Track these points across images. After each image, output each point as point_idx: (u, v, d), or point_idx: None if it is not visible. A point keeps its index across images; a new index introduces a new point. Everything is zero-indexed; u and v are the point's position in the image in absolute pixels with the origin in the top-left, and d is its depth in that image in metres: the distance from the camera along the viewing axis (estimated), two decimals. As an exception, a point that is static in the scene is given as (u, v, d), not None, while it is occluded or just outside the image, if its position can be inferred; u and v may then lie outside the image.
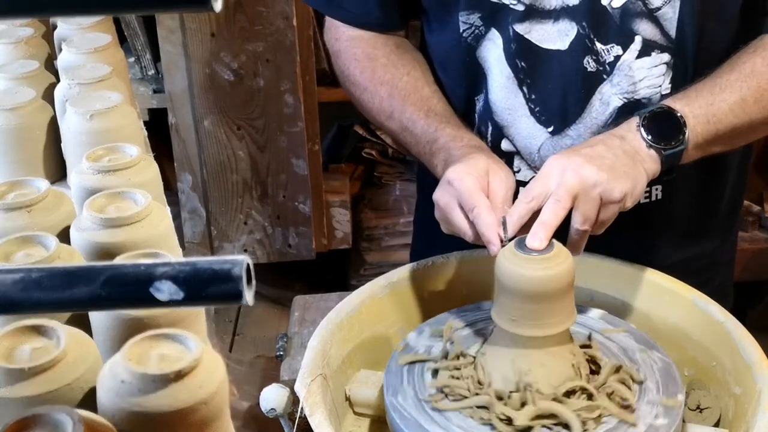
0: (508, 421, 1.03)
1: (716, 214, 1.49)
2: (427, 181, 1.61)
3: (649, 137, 1.19)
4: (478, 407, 1.06)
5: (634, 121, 1.21)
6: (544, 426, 1.03)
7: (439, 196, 1.18)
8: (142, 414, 0.88)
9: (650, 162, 1.19)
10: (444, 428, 1.06)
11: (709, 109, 1.22)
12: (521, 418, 1.03)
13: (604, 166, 1.13)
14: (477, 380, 1.09)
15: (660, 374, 1.09)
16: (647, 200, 1.38)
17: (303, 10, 2.49)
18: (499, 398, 1.06)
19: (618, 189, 1.13)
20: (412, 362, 1.15)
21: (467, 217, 1.14)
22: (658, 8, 1.27)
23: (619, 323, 1.18)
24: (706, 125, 1.22)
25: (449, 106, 1.37)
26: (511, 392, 1.06)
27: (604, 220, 1.15)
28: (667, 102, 1.23)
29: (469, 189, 1.14)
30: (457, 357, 1.13)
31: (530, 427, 1.03)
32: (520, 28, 1.30)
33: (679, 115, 1.21)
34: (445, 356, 1.14)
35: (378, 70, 1.39)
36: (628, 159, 1.17)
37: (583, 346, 1.13)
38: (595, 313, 1.20)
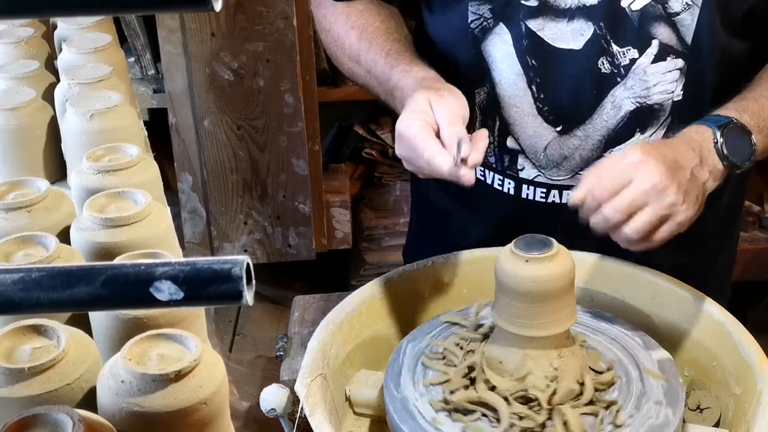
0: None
1: (716, 219, 1.48)
2: (421, 182, 1.61)
3: (728, 156, 1.17)
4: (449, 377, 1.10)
5: (709, 134, 1.18)
6: (484, 415, 1.05)
7: (398, 150, 1.18)
8: (142, 414, 0.88)
9: (717, 181, 1.18)
10: (413, 381, 1.11)
11: (762, 123, 1.22)
12: (458, 397, 1.06)
13: (682, 186, 1.11)
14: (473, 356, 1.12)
15: (647, 430, 1.04)
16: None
17: (303, 10, 2.49)
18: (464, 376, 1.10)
19: (686, 214, 1.12)
20: (453, 322, 1.19)
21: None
22: (677, 13, 1.26)
23: (669, 372, 1.12)
24: (764, 138, 1.21)
25: (412, 47, 1.35)
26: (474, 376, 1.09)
27: (659, 239, 1.12)
28: (730, 114, 1.21)
29: (416, 135, 1.13)
30: (486, 335, 1.14)
31: (469, 410, 1.05)
32: (533, 24, 1.29)
33: (749, 130, 1.19)
34: (476, 328, 1.17)
35: (352, 16, 1.39)
36: (698, 181, 1.15)
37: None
38: (658, 354, 1.15)
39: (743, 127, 1.19)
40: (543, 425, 1.03)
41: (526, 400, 1.05)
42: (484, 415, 1.05)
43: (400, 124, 1.16)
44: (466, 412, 1.05)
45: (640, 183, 1.10)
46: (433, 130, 1.14)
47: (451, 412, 1.06)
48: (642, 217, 1.11)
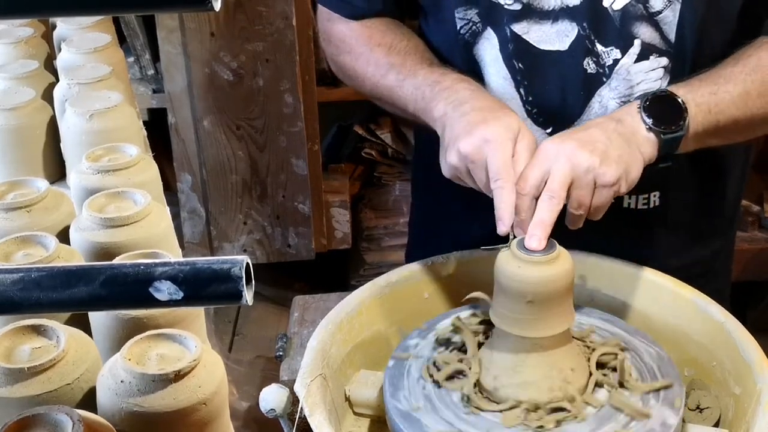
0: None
1: (716, 220, 1.48)
2: (423, 184, 1.61)
3: (650, 120, 1.18)
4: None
5: (635, 103, 1.20)
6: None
7: (471, 150, 1.15)
8: (142, 414, 0.88)
9: (647, 146, 1.18)
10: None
11: (712, 98, 1.22)
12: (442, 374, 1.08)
13: (596, 150, 1.13)
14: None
15: (651, 428, 1.04)
16: (645, 207, 1.38)
17: (303, 10, 2.49)
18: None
19: (610, 173, 1.12)
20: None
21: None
22: (659, 12, 1.27)
23: (667, 366, 1.12)
24: (708, 114, 1.21)
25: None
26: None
27: (598, 205, 1.14)
28: (670, 88, 1.23)
29: (503, 158, 1.13)
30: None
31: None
32: (518, 28, 1.30)
33: (680, 100, 1.20)
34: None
35: (375, 35, 1.38)
36: (623, 142, 1.16)
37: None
38: (655, 349, 1.15)
39: (672, 95, 1.20)
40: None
41: (533, 405, 1.05)
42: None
43: (489, 134, 1.14)
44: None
45: (557, 167, 1.12)
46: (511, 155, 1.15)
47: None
48: (574, 194, 1.12)
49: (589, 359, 1.11)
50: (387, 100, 1.37)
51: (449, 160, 1.18)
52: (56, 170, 1.45)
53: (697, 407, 1.15)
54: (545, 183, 1.11)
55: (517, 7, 1.28)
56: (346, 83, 1.47)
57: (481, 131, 1.15)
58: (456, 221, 1.49)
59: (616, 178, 1.12)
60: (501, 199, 1.12)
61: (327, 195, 2.78)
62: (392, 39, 1.37)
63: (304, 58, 2.53)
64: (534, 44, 1.30)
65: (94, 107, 1.34)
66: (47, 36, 1.66)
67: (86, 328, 1.02)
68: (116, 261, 1.04)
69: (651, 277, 1.26)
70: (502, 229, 1.11)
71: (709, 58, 1.29)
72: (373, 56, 1.36)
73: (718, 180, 1.44)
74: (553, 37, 1.29)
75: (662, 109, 1.19)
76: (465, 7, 1.32)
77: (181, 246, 1.46)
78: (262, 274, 2.73)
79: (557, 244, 1.07)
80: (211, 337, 1.21)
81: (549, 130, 1.34)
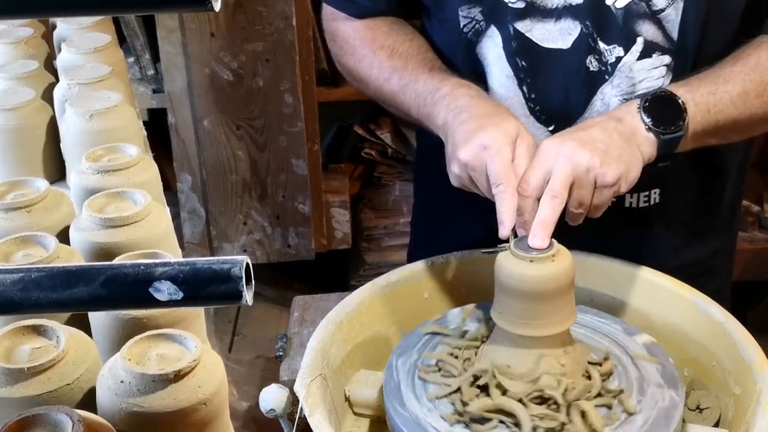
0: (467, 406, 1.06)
1: (715, 218, 1.48)
2: (425, 184, 1.61)
3: (649, 120, 1.18)
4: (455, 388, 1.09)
5: (635, 103, 1.21)
6: (501, 422, 1.03)
7: (470, 158, 1.16)
8: (142, 414, 0.88)
9: (647, 145, 1.18)
10: (415, 396, 1.08)
11: (711, 98, 1.22)
12: (475, 407, 1.04)
13: (597, 150, 1.13)
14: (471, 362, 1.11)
15: (658, 413, 1.05)
16: (646, 204, 1.38)
17: (303, 10, 2.49)
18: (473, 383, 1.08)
19: (611, 173, 1.13)
20: (435, 333, 1.17)
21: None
22: (662, 10, 1.27)
23: (659, 355, 1.13)
24: (707, 114, 1.22)
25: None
26: (485, 383, 1.07)
27: (598, 204, 1.15)
28: (670, 88, 1.23)
29: (502, 163, 1.14)
30: (475, 339, 1.14)
31: (486, 419, 1.04)
32: (521, 26, 1.30)
33: (680, 100, 1.20)
34: (462, 335, 1.16)
35: (379, 37, 1.38)
36: (623, 142, 1.16)
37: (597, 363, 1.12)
38: (642, 338, 1.16)
39: (672, 95, 1.20)
40: (563, 423, 1.03)
41: (542, 400, 1.05)
42: (501, 422, 1.03)
43: (488, 139, 1.15)
44: (483, 421, 1.04)
45: (558, 167, 1.12)
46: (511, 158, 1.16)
47: (467, 423, 1.04)
48: (575, 193, 1.13)
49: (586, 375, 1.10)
50: (390, 103, 1.37)
51: (452, 170, 1.19)
52: (56, 170, 1.45)
53: (697, 407, 1.15)
54: (547, 183, 1.12)
55: (521, 5, 1.28)
56: (351, 83, 1.48)
57: (478, 138, 1.16)
58: (458, 222, 1.49)
59: (616, 178, 1.13)
60: (502, 203, 1.12)
61: (327, 195, 2.78)
62: (395, 41, 1.37)
63: (304, 58, 2.53)
64: (537, 42, 1.30)
65: (94, 107, 1.34)
66: (47, 36, 1.66)
67: (86, 328, 1.02)
68: (116, 261, 1.04)
69: (650, 277, 1.26)
70: (503, 233, 1.11)
71: (711, 57, 1.29)
72: (376, 59, 1.37)
73: (716, 178, 1.45)
74: (556, 35, 1.29)
75: (662, 109, 1.19)
76: (468, 5, 1.32)
77: (181, 246, 1.46)
78: (262, 274, 2.74)
79: (555, 242, 1.08)
80: (211, 337, 1.21)
81: (551, 128, 1.34)
